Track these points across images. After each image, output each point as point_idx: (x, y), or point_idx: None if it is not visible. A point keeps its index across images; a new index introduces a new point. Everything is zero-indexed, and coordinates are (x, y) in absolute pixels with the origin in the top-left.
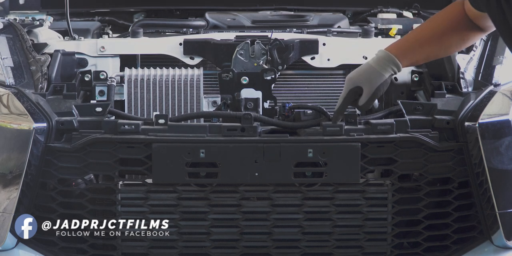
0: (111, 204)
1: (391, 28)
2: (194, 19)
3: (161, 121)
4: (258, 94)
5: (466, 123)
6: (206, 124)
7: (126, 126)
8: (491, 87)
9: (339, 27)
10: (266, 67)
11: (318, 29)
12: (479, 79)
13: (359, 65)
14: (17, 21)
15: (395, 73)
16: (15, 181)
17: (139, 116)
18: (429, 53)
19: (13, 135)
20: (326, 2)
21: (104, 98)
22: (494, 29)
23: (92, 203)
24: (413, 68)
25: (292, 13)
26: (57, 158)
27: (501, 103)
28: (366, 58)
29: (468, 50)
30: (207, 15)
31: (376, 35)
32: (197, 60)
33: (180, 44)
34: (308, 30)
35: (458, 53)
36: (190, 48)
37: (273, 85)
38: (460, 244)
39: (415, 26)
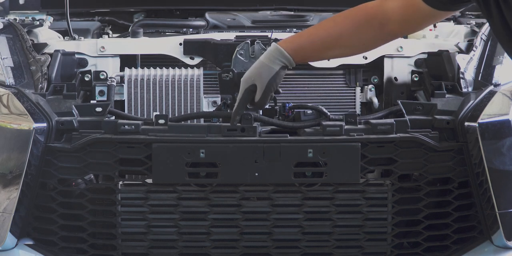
0: (111, 204)
1: None
2: (194, 19)
3: (161, 121)
4: None
5: (466, 123)
6: (206, 124)
7: (126, 126)
8: (491, 87)
9: None
10: None
11: None
12: (479, 79)
13: (359, 65)
14: (17, 21)
15: (287, 66)
16: (15, 181)
17: (139, 116)
18: (322, 52)
19: (13, 135)
20: (326, 2)
21: (104, 98)
22: (412, 32)
23: (92, 203)
24: (413, 68)
25: (292, 13)
26: (57, 158)
27: (501, 103)
28: (366, 58)
29: (468, 50)
30: (207, 15)
31: None
32: (197, 60)
33: (180, 44)
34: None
35: (458, 53)
36: (190, 48)
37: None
38: (460, 244)
39: None
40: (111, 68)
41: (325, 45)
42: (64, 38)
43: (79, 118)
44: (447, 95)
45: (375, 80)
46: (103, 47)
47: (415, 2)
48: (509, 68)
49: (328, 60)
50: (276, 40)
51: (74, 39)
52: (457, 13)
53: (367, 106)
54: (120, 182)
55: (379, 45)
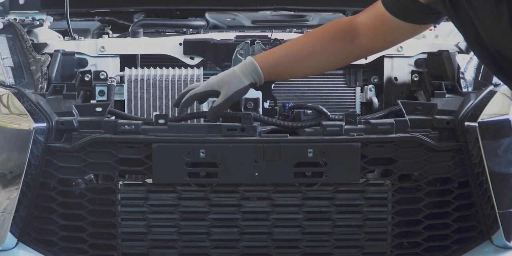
0: (111, 204)
1: None
2: (194, 19)
3: (161, 121)
4: (258, 94)
5: (466, 123)
6: (206, 124)
7: (126, 126)
8: (491, 87)
9: None
10: None
11: None
12: (479, 79)
13: (359, 65)
14: (17, 21)
15: (256, 84)
16: (15, 181)
17: (139, 116)
18: (295, 70)
19: (13, 135)
20: (326, 2)
21: (104, 98)
22: (384, 48)
23: (92, 203)
24: (413, 68)
25: (292, 13)
26: (57, 158)
27: (501, 103)
28: (366, 58)
29: (468, 50)
30: (207, 15)
31: None
32: (197, 60)
33: (180, 44)
34: (308, 30)
35: (458, 53)
36: (190, 48)
37: (273, 85)
38: (460, 244)
39: None
40: (111, 68)
41: (299, 60)
42: (64, 38)
43: (79, 118)
44: (447, 95)
45: (375, 80)
46: (103, 47)
47: (382, 14)
48: None
49: (300, 77)
50: (276, 40)
51: (74, 39)
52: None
53: (367, 106)
54: (120, 182)
55: (352, 61)
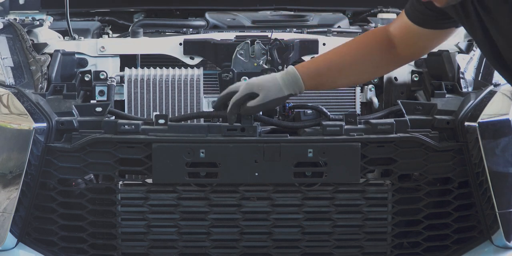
0: (111, 204)
1: None
2: (194, 19)
3: (161, 121)
4: None
5: (466, 123)
6: (206, 124)
7: (126, 126)
8: (491, 87)
9: (339, 27)
10: (266, 67)
11: (318, 29)
12: (479, 79)
13: None
14: (17, 21)
15: (295, 95)
16: (15, 181)
17: (139, 116)
18: (336, 80)
19: (13, 135)
20: (326, 2)
21: (104, 98)
22: (419, 55)
23: (92, 203)
24: (413, 68)
25: (292, 13)
26: (57, 158)
27: (501, 103)
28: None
29: (468, 50)
30: (207, 15)
31: None
32: (197, 60)
33: (180, 44)
34: (308, 30)
35: (458, 53)
36: (190, 48)
37: None
38: (460, 244)
39: None
40: (111, 68)
41: (340, 71)
42: (64, 38)
43: (79, 118)
44: (447, 95)
45: (375, 80)
46: (103, 47)
47: (406, 23)
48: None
49: (339, 87)
50: (276, 40)
51: (74, 39)
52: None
53: (367, 106)
54: (120, 182)
55: (392, 69)
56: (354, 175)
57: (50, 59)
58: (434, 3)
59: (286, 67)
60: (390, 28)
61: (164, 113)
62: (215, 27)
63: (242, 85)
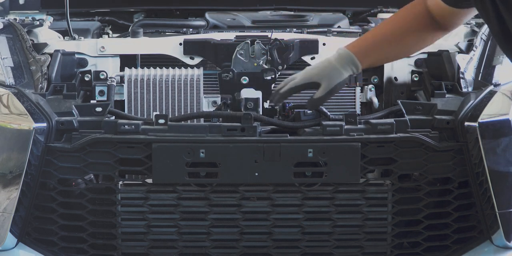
0: (111, 204)
1: None
2: (194, 19)
3: (161, 121)
4: (258, 94)
5: (466, 123)
6: (206, 124)
7: (126, 126)
8: (491, 87)
9: (339, 27)
10: (266, 67)
11: (318, 29)
12: (479, 79)
13: None
14: (17, 21)
15: (354, 74)
16: (15, 181)
17: (139, 116)
18: (388, 54)
19: (13, 135)
20: (326, 2)
21: (104, 98)
22: (457, 26)
23: (92, 203)
24: (413, 68)
25: (292, 13)
26: (57, 158)
27: (501, 103)
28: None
29: (468, 50)
30: (207, 15)
31: None
32: (197, 60)
33: (180, 44)
34: (308, 30)
35: (458, 53)
36: (190, 48)
37: (273, 85)
38: (460, 244)
39: None
40: (111, 68)
41: (391, 44)
42: (64, 38)
43: (79, 118)
44: (447, 95)
45: (375, 80)
46: (103, 47)
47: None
48: (509, 68)
49: (391, 61)
50: (276, 40)
51: (74, 39)
52: None
53: (367, 106)
54: (120, 182)
55: (435, 40)
56: (354, 175)
57: (50, 59)
58: None
59: (284, 67)
60: (428, 2)
61: (164, 113)
62: (215, 27)
63: (300, 75)
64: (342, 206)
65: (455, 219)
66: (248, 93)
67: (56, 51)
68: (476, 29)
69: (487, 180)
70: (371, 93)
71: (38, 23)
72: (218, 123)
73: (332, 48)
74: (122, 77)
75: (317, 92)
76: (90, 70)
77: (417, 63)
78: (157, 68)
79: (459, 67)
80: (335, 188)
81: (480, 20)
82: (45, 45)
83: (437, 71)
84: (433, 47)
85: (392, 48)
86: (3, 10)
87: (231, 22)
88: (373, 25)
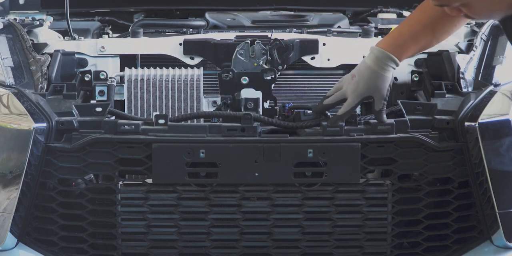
0: (111, 204)
1: (391, 28)
2: (194, 19)
3: (161, 121)
4: (258, 94)
5: (466, 123)
6: (206, 124)
7: (126, 126)
8: (491, 87)
9: (339, 27)
10: (266, 67)
11: (318, 29)
12: (479, 79)
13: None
14: (17, 21)
15: (394, 69)
16: (15, 181)
17: (139, 116)
18: (423, 44)
19: (13, 135)
20: (326, 2)
21: (104, 98)
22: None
23: (92, 203)
24: (413, 68)
25: (292, 13)
26: (57, 158)
27: (501, 103)
28: None
29: (468, 50)
30: (207, 15)
31: (376, 35)
32: (197, 60)
33: (180, 44)
34: (308, 30)
35: (458, 53)
36: (190, 48)
37: (273, 85)
38: (460, 244)
39: None
40: (111, 68)
41: (424, 37)
42: (64, 38)
43: (79, 118)
44: (447, 95)
45: None
46: (103, 47)
47: None
48: (509, 68)
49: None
50: (276, 40)
51: (74, 39)
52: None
53: (367, 106)
54: (120, 182)
55: (465, 23)
56: (354, 175)
57: (50, 59)
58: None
59: (284, 67)
60: None
61: (164, 113)
62: (215, 27)
63: (349, 93)
64: (342, 206)
65: (455, 219)
66: (248, 93)
67: (56, 51)
68: (476, 29)
69: (487, 180)
70: None
71: (38, 23)
72: (218, 123)
73: (332, 48)
74: (122, 77)
75: (375, 105)
76: (90, 70)
77: (417, 63)
78: (157, 68)
79: (459, 67)
80: (335, 188)
81: (480, 21)
82: (45, 45)
83: (437, 71)
84: (433, 47)
85: (426, 38)
86: (3, 10)
87: (231, 22)
88: (373, 25)
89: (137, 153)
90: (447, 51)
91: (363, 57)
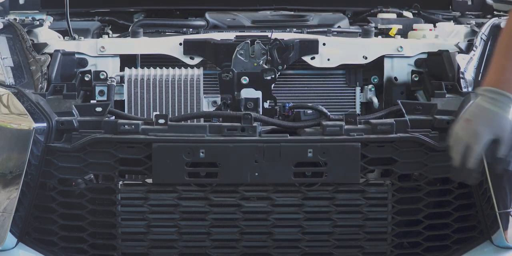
0: (111, 204)
1: (391, 28)
2: (194, 19)
3: (161, 121)
4: (258, 94)
5: None
6: (206, 124)
7: (126, 126)
8: None
9: (339, 27)
10: (266, 67)
11: (318, 29)
12: (479, 79)
13: (359, 65)
14: (17, 21)
15: None
16: (15, 181)
17: (139, 116)
18: None
19: (13, 135)
20: (326, 2)
21: (104, 98)
22: None
23: (92, 203)
24: (413, 68)
25: (292, 13)
26: (57, 158)
27: None
28: (366, 58)
29: (468, 50)
30: (207, 15)
31: (376, 35)
32: (197, 60)
33: (180, 44)
34: (308, 30)
35: (458, 53)
36: (190, 48)
37: (273, 85)
38: (460, 244)
39: (415, 26)
40: (111, 68)
41: None
42: (64, 38)
43: (79, 118)
44: (447, 95)
45: (375, 80)
46: (103, 47)
47: None
48: None
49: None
50: (276, 40)
51: (74, 39)
52: (458, 13)
53: (367, 106)
54: (120, 182)
55: None
56: (354, 175)
57: (50, 59)
58: None
59: (284, 67)
60: None
61: (164, 113)
62: (215, 27)
63: (472, 139)
64: (342, 206)
65: (455, 219)
66: (248, 93)
67: (56, 51)
68: (476, 29)
69: (487, 180)
70: (371, 93)
71: (38, 23)
72: (218, 123)
73: (332, 48)
74: (122, 77)
75: (500, 149)
76: (90, 70)
77: (417, 63)
78: (157, 68)
79: (459, 67)
80: (335, 188)
81: (480, 20)
82: (45, 45)
83: (437, 71)
84: (433, 47)
85: None
86: (3, 10)
87: (231, 22)
88: (373, 25)
89: (137, 153)
90: (447, 51)
91: (364, 57)
